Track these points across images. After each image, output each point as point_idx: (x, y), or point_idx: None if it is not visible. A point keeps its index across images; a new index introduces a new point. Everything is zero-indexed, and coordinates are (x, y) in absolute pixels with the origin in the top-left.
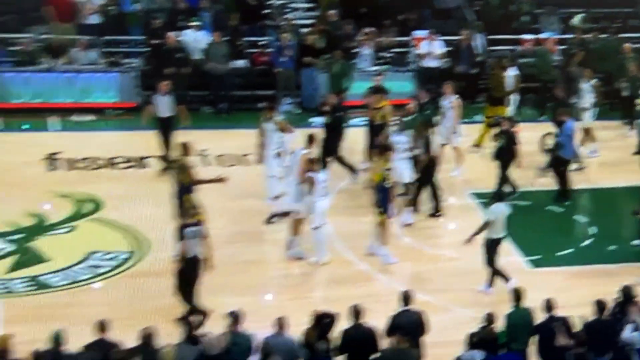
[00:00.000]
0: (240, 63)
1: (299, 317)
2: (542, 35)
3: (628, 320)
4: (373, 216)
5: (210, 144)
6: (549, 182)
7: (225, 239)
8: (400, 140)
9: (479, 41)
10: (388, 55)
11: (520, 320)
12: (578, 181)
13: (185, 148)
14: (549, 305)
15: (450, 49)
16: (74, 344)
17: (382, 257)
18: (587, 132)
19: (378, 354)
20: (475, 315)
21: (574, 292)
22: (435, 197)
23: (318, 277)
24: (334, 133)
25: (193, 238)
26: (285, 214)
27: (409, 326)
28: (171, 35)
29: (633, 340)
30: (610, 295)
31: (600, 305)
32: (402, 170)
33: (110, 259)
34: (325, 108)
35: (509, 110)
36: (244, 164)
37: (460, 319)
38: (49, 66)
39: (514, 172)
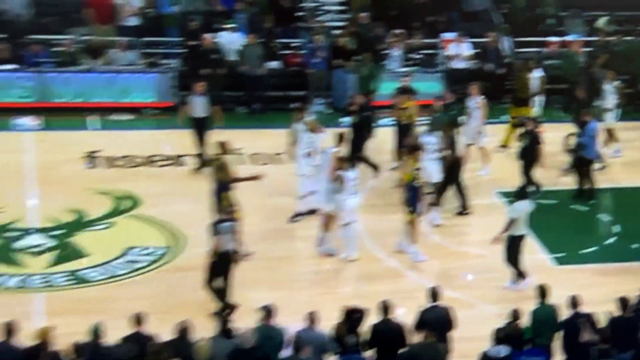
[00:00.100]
0: (274, 64)
1: (330, 312)
2: (567, 38)
3: None
4: (403, 215)
5: (244, 143)
6: (572, 182)
7: (258, 235)
8: (430, 141)
9: (505, 43)
10: (417, 56)
11: (545, 316)
12: (601, 181)
13: (224, 147)
14: (574, 302)
15: (477, 50)
16: (112, 336)
17: (411, 254)
18: (610, 132)
19: (406, 349)
20: (501, 312)
21: (598, 289)
22: (461, 195)
23: (348, 273)
24: (360, 132)
25: (226, 233)
26: (312, 212)
27: (436, 322)
28: (207, 37)
29: None
30: (633, 292)
31: (624, 302)
32: (431, 170)
33: (148, 254)
34: (352, 108)
35: (534, 111)
36: (277, 162)
37: (487, 314)
38: (89, 67)
39: (537, 172)
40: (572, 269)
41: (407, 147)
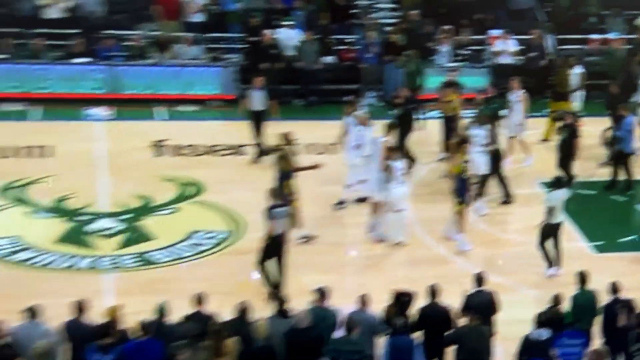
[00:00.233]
0: (329, 59)
1: (380, 295)
2: (608, 36)
3: None
4: (451, 204)
5: (300, 134)
6: (609, 173)
7: (311, 221)
8: (478, 134)
9: (549, 40)
10: (465, 52)
11: (585, 301)
12: (638, 173)
13: (286, 138)
14: (614, 288)
15: (522, 47)
16: (176, 315)
17: (458, 243)
18: None
19: (452, 331)
20: (542, 296)
21: (635, 277)
22: (503, 185)
23: (398, 258)
24: (404, 125)
25: (279, 218)
26: (363, 200)
27: (481, 305)
28: (267, 33)
29: None
30: None
31: None
32: (479, 162)
33: (210, 238)
34: (397, 101)
35: (575, 105)
36: (331, 152)
37: (529, 299)
38: (157, 60)
39: (574, 164)
40: (611, 257)
41: (455, 140)
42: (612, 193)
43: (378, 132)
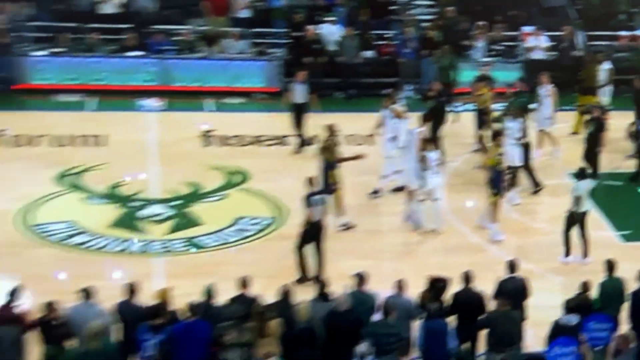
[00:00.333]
0: (369, 54)
1: (416, 281)
2: (636, 32)
3: None
4: (486, 195)
5: (340, 125)
6: (635, 165)
7: (350, 210)
8: (512, 127)
9: (579, 37)
10: (499, 47)
11: (612, 288)
12: None
13: (331, 129)
14: None
15: (554, 43)
16: (222, 297)
17: (492, 232)
18: None
19: (484, 315)
20: (572, 283)
21: None
22: (532, 177)
23: (433, 246)
24: (437, 117)
25: (317, 205)
26: (399, 189)
27: (514, 291)
28: (310, 28)
29: None
30: None
31: None
32: (513, 155)
33: (255, 224)
34: (430, 94)
35: (603, 100)
36: (370, 143)
37: (559, 286)
38: (205, 54)
39: (601, 156)
40: (637, 246)
41: (489, 133)
42: (638, 184)
43: (414, 124)
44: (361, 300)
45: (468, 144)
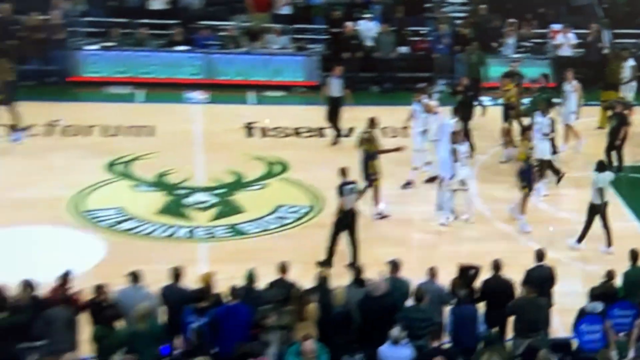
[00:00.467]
0: (404, 49)
1: (448, 268)
2: None
3: None
4: (516, 188)
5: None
6: None
7: (386, 199)
8: (541, 122)
9: (606, 35)
10: (528, 44)
11: (636, 277)
12: None
13: (372, 122)
14: None
15: (581, 40)
16: (263, 282)
17: (520, 223)
18: None
19: (512, 302)
20: (597, 272)
21: None
22: (551, 166)
23: (464, 234)
24: (465, 111)
25: (350, 194)
26: (431, 180)
27: (541, 279)
28: (348, 25)
29: None
30: None
31: None
32: (543, 148)
33: (294, 212)
34: (458, 89)
35: (627, 96)
36: (404, 135)
37: (584, 274)
38: (248, 49)
39: (624, 150)
40: None
41: (518, 128)
42: None
43: (446, 117)
44: (395, 286)
45: (496, 137)
